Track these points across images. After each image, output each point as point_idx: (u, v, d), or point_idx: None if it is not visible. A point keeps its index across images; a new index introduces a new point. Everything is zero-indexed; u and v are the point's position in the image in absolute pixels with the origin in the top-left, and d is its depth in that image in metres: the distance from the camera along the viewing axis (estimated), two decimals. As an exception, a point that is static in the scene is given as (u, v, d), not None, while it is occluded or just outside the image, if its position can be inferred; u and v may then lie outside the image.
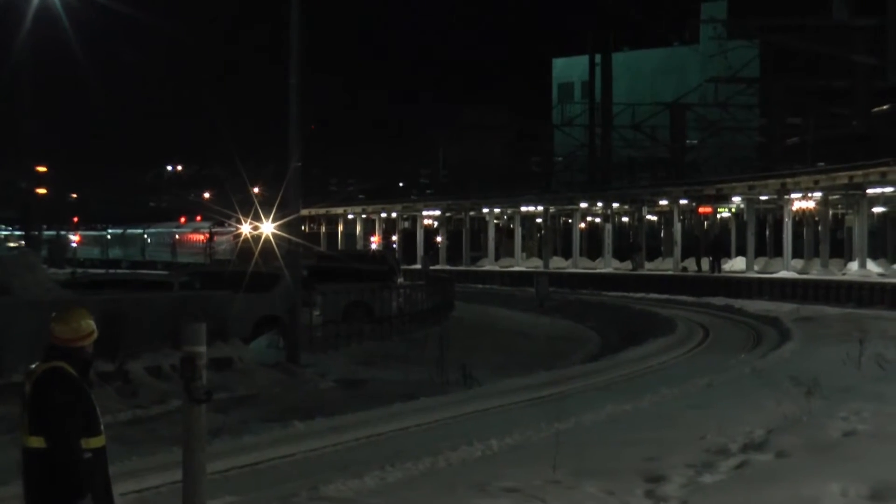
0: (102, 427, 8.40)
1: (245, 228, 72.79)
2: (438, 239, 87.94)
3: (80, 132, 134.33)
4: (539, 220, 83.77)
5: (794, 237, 61.04)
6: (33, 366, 8.38)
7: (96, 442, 8.31)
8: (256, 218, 74.14)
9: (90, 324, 8.47)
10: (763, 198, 62.90)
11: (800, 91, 74.71)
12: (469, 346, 34.89)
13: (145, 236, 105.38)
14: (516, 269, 76.95)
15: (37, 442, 8.20)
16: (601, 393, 23.56)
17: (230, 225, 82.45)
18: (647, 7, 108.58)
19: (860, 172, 52.52)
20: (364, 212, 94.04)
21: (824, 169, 58.68)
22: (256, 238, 68.20)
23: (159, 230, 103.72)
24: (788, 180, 58.22)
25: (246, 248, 61.34)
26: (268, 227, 68.57)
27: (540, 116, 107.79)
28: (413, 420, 20.50)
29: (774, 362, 28.30)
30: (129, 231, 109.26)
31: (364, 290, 39.93)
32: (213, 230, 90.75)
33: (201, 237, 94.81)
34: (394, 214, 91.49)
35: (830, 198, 60.32)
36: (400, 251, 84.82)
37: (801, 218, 65.40)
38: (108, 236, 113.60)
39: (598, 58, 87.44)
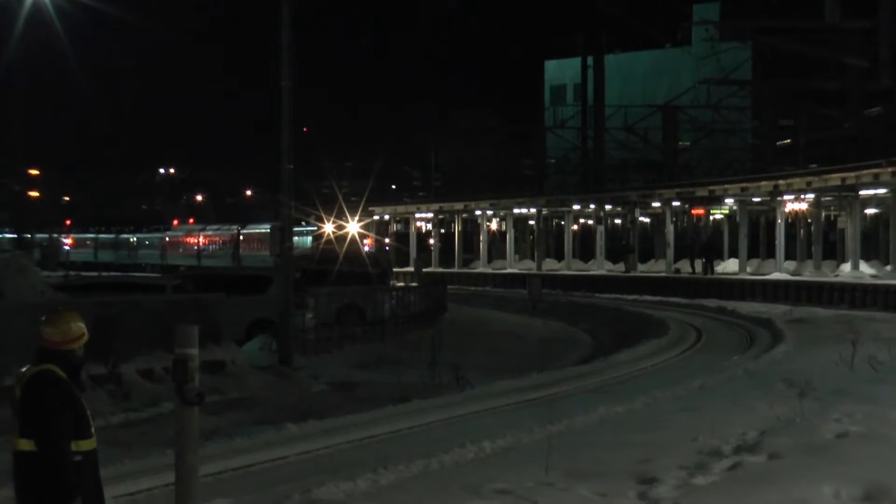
0: (93, 430, 8.39)
1: (328, 228, 71.99)
2: (431, 241, 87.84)
3: (73, 135, 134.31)
4: (531, 223, 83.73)
5: (787, 239, 60.98)
6: (23, 369, 8.37)
7: (86, 445, 8.30)
8: (340, 217, 73.95)
9: (80, 326, 8.45)
10: (755, 199, 62.90)
11: (792, 93, 74.70)
12: (461, 348, 34.87)
13: (201, 239, 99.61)
14: (508, 271, 76.91)
15: (27, 445, 8.19)
16: (593, 395, 23.55)
17: (306, 224, 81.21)
18: (639, 9, 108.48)
19: (852, 174, 52.52)
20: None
21: (817, 171, 58.69)
22: (340, 238, 67.56)
23: (219, 230, 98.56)
24: (781, 182, 58.23)
25: (329, 249, 60.88)
26: (353, 227, 68.53)
27: (532, 119, 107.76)
28: (405, 422, 20.49)
29: (767, 364, 28.30)
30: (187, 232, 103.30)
31: (356, 293, 39.90)
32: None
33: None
34: (386, 217, 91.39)
35: (823, 199, 60.31)
36: (392, 253, 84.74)
37: (794, 219, 65.41)
38: (167, 238, 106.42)
39: (590, 60, 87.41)
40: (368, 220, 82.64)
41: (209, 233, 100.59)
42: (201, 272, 49.73)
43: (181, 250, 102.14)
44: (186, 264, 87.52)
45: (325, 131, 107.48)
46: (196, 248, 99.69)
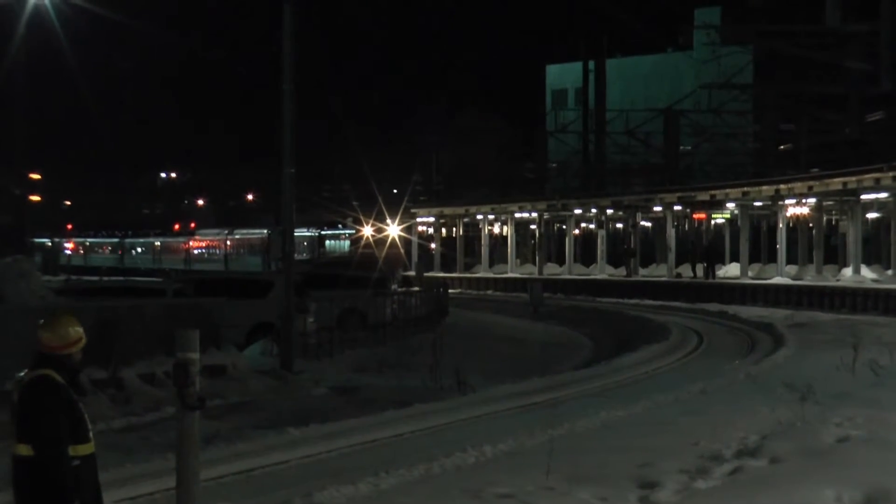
0: (91, 434, 8.38)
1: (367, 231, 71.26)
2: (432, 245, 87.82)
3: (74, 139, 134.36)
4: (533, 227, 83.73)
5: (789, 243, 61.00)
6: (21, 374, 8.37)
7: (84, 449, 8.29)
8: (379, 219, 73.35)
9: (78, 331, 8.44)
10: (757, 204, 62.90)
11: (793, 97, 74.77)
12: (463, 352, 34.84)
13: (228, 242, 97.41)
14: (510, 275, 76.91)
15: (25, 450, 8.19)
16: (595, 399, 23.54)
17: (343, 227, 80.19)
18: (641, 13, 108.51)
19: (854, 178, 52.51)
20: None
21: (818, 175, 58.70)
22: (379, 242, 66.85)
23: (247, 234, 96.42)
24: (782, 186, 58.23)
25: (367, 254, 60.46)
26: (394, 230, 68.15)
27: (534, 123, 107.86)
28: (407, 426, 20.48)
29: (768, 368, 28.30)
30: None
31: (358, 297, 39.91)
32: (322, 233, 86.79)
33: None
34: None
35: (824, 204, 60.35)
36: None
37: (795, 224, 65.42)
38: (191, 242, 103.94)
39: (591, 64, 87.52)
40: (411, 223, 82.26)
41: (237, 237, 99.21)
42: (203, 276, 49.69)
43: (207, 254, 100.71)
44: (213, 269, 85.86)
45: (324, 133, 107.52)
46: (223, 252, 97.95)
